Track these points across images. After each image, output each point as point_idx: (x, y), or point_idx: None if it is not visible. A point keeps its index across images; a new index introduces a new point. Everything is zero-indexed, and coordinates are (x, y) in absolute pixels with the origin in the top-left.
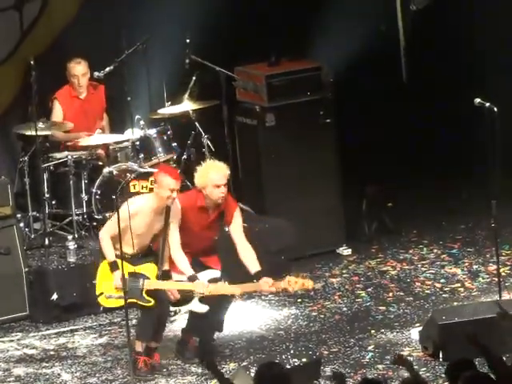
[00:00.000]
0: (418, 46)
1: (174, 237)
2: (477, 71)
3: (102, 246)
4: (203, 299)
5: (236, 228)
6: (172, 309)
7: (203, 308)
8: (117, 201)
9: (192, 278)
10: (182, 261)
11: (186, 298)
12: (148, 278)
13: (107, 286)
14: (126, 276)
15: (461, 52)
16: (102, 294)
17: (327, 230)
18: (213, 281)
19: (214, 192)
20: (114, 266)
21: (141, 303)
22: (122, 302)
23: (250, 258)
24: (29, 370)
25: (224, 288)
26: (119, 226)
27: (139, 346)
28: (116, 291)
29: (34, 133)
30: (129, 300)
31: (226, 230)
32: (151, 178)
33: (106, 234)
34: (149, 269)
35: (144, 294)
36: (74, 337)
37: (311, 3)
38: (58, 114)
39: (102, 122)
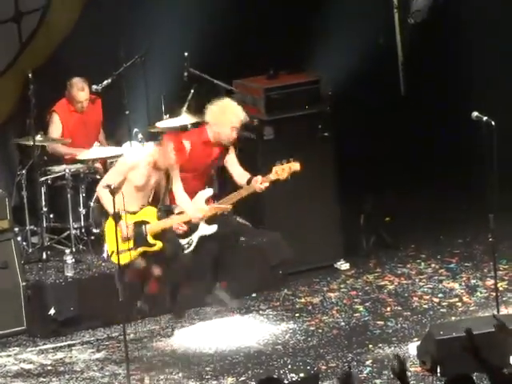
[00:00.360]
0: (416, 59)
1: (177, 183)
2: (476, 84)
3: (102, 201)
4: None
5: (233, 158)
6: (185, 241)
7: (212, 228)
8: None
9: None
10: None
11: (192, 227)
12: (148, 223)
13: (116, 243)
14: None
15: (460, 65)
16: (113, 252)
17: (325, 244)
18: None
19: (228, 133)
20: (117, 217)
21: (149, 249)
22: (133, 255)
23: (243, 176)
24: None
25: (219, 206)
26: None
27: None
28: (124, 245)
29: (31, 146)
30: (138, 250)
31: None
32: None
33: (102, 187)
34: (148, 213)
35: (149, 239)
36: (72, 351)
37: (310, 16)
38: (57, 127)
39: (99, 135)
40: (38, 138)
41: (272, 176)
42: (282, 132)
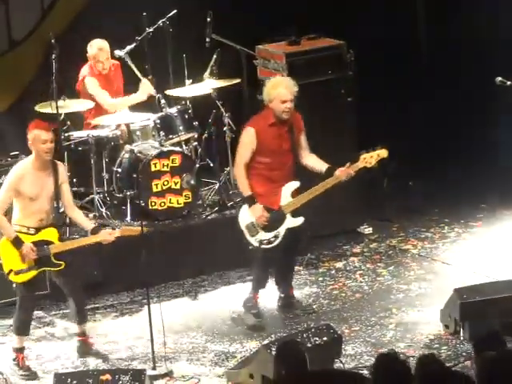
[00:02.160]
0: (439, 24)
1: (240, 158)
2: (501, 49)
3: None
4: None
5: (304, 139)
6: (272, 234)
7: (299, 220)
8: (138, 179)
9: (95, 231)
10: (242, 178)
11: (278, 218)
12: (52, 243)
13: (14, 262)
14: (31, 245)
15: (483, 30)
16: (11, 271)
17: (348, 208)
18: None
19: (279, 107)
20: (17, 243)
21: (53, 269)
22: (33, 274)
23: (317, 162)
24: (50, 348)
25: (130, 229)
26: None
27: (19, 342)
28: (24, 264)
29: (55, 111)
30: (40, 269)
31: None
32: (172, 157)
33: None
34: (50, 233)
35: (53, 259)
36: (95, 315)
37: None
38: (95, 88)
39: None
40: (60, 103)
41: (360, 164)
42: (305, 97)
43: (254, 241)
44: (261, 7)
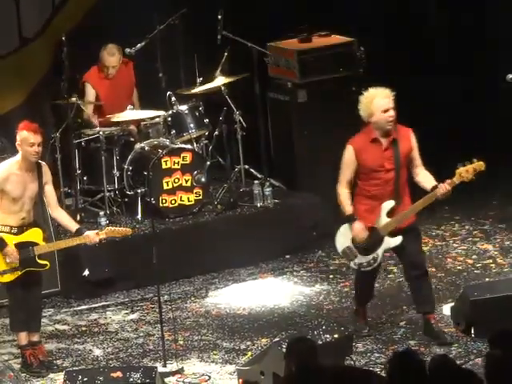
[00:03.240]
0: (451, 19)
1: (342, 176)
2: None
3: None
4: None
5: (416, 156)
6: (370, 257)
7: (398, 240)
8: (149, 177)
9: (79, 232)
10: (342, 196)
11: (376, 240)
12: (36, 244)
13: None
14: (14, 248)
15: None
16: None
17: None
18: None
19: (382, 117)
20: (1, 244)
21: (38, 269)
22: (17, 274)
23: (426, 179)
24: (60, 346)
25: (117, 230)
26: None
27: (22, 339)
28: (8, 265)
29: (65, 108)
30: (25, 269)
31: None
32: (183, 154)
33: None
34: (34, 234)
35: (38, 260)
36: (106, 313)
37: None
38: (90, 96)
39: (133, 97)
40: (73, 100)
41: (456, 179)
42: (316, 95)
43: (353, 265)
44: (272, 4)
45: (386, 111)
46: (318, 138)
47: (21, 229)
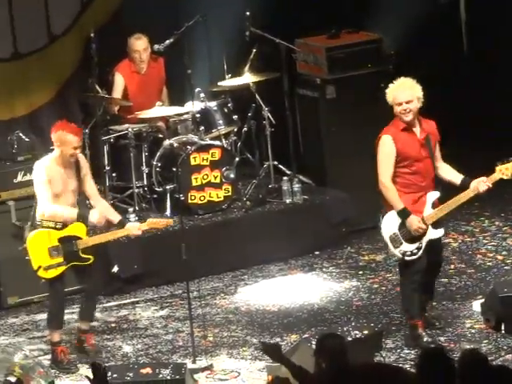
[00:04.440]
0: (479, 17)
1: (385, 170)
2: None
3: (60, 218)
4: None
5: (438, 148)
6: (414, 246)
7: (440, 232)
8: (177, 173)
9: (122, 223)
10: (391, 191)
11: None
12: (79, 238)
13: (43, 258)
14: (57, 244)
15: None
16: (39, 267)
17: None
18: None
19: (397, 110)
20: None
21: (82, 263)
22: (62, 269)
23: (451, 172)
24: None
25: (158, 221)
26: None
27: (55, 337)
28: (53, 260)
29: (94, 105)
30: (69, 264)
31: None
32: (212, 151)
33: (48, 206)
34: (77, 228)
35: (81, 254)
36: (135, 309)
37: None
38: (119, 87)
39: (162, 94)
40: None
41: (497, 175)
42: (345, 91)
43: (397, 252)
44: (301, 0)
45: (399, 104)
46: (347, 134)
47: (65, 224)
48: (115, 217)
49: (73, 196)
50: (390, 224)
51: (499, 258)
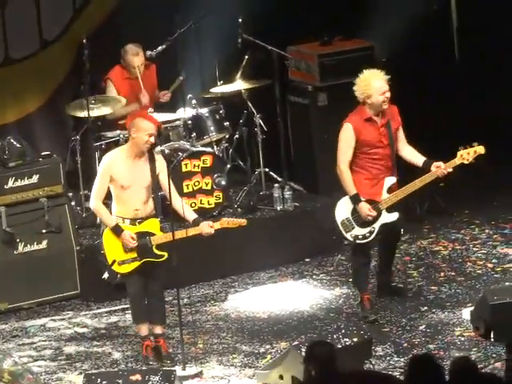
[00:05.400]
0: (471, 24)
1: (344, 155)
2: None
3: (99, 216)
4: (389, 208)
5: (401, 131)
6: (367, 230)
7: (394, 216)
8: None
9: (196, 222)
10: (345, 175)
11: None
12: (153, 234)
13: (117, 253)
14: (132, 233)
15: None
16: (114, 262)
17: None
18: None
19: (379, 98)
20: (117, 231)
21: (156, 260)
22: (136, 264)
23: (414, 154)
24: (80, 349)
25: (233, 221)
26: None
27: (142, 330)
28: (127, 255)
29: (86, 111)
30: (143, 260)
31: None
32: (203, 157)
33: (94, 200)
34: (151, 224)
35: (155, 250)
36: (125, 315)
37: None
38: (112, 94)
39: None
40: (92, 103)
41: (457, 160)
42: (336, 98)
43: (349, 236)
44: (293, 7)
45: (383, 93)
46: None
47: (134, 221)
48: (191, 215)
49: (146, 192)
50: (343, 209)
51: (489, 265)
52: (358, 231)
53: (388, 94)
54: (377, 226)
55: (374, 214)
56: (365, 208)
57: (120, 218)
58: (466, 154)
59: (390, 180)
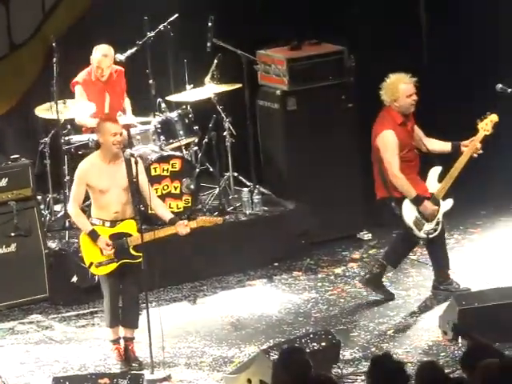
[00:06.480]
0: (439, 27)
1: (394, 161)
2: (502, 54)
3: (75, 221)
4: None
5: (418, 128)
6: (434, 223)
7: (450, 202)
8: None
9: (172, 221)
10: (403, 181)
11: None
12: (130, 235)
13: (94, 255)
14: (108, 239)
15: (486, 34)
16: (91, 264)
17: (348, 214)
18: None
19: (407, 101)
20: (93, 235)
21: (131, 261)
22: (113, 266)
23: (439, 143)
24: (48, 352)
25: (208, 219)
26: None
27: (112, 334)
28: (104, 257)
29: (55, 114)
30: (120, 261)
31: None
32: (172, 161)
33: (72, 206)
34: (128, 225)
35: (132, 251)
36: (94, 319)
37: None
38: (81, 97)
39: (123, 104)
40: (61, 106)
41: (481, 134)
42: (305, 103)
43: (422, 234)
44: (262, 11)
45: (410, 96)
46: (307, 146)
47: (114, 223)
48: (167, 215)
49: (124, 194)
50: (409, 210)
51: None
52: (428, 226)
53: (415, 97)
54: (440, 216)
55: (437, 207)
56: (429, 205)
57: (100, 220)
58: (485, 125)
59: (437, 170)
